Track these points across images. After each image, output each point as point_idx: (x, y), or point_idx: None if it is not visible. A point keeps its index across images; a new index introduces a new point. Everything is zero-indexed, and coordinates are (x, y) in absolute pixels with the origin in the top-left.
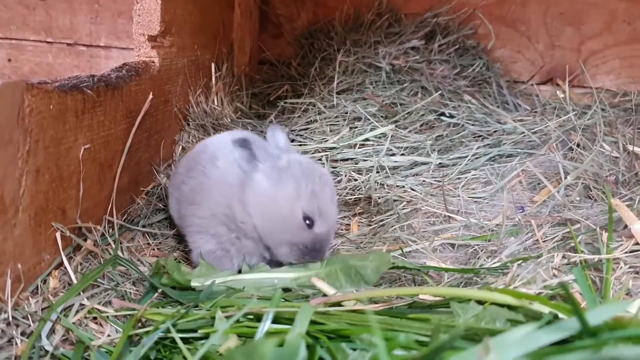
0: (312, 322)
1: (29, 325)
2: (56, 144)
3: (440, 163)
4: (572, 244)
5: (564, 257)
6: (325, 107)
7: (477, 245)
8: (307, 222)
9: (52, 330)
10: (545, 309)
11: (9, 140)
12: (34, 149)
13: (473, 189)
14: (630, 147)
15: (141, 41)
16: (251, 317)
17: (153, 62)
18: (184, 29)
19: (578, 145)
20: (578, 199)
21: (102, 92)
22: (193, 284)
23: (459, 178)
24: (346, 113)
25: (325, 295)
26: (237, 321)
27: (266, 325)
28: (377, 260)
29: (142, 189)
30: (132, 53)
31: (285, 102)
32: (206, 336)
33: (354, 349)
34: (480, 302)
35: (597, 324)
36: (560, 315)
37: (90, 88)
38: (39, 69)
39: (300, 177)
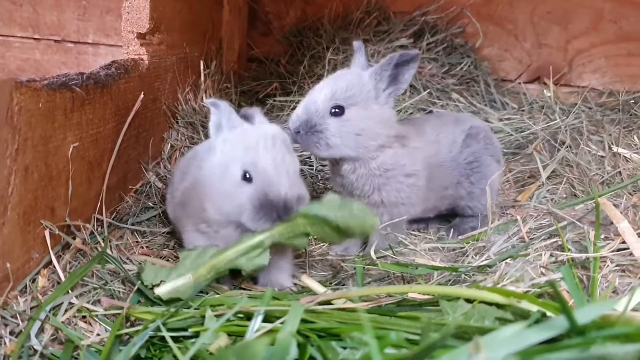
0: (303, 321)
1: (18, 325)
2: (45, 142)
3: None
4: (560, 242)
5: (551, 255)
6: None
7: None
8: (247, 176)
9: (41, 330)
10: (533, 307)
11: None
12: (23, 147)
13: None
14: (615, 148)
15: (130, 39)
16: (241, 315)
17: (142, 59)
18: (173, 27)
19: (564, 144)
20: (565, 196)
21: (91, 90)
22: (158, 292)
23: None
24: None
25: (315, 293)
26: (228, 320)
27: (256, 323)
28: (361, 220)
29: (130, 187)
30: (121, 50)
31: (274, 100)
32: (196, 335)
33: (345, 348)
34: (469, 301)
35: (585, 323)
36: (548, 313)
37: (79, 86)
38: (26, 65)
39: (246, 139)
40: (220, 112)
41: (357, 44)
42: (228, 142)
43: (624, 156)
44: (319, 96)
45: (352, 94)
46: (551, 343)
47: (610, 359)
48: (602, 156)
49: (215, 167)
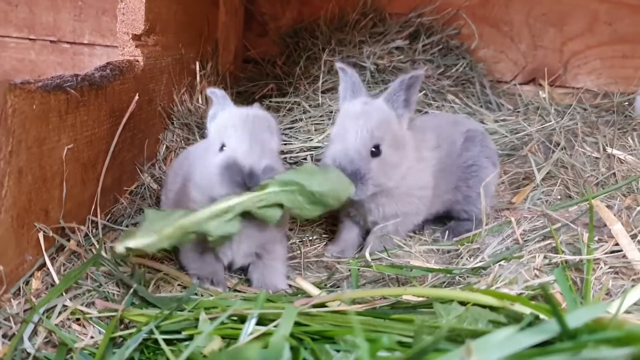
0: (296, 324)
1: (11, 327)
2: (39, 144)
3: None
4: (554, 244)
5: (545, 257)
6: (310, 106)
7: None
8: (222, 148)
9: (35, 332)
10: (527, 310)
11: None
12: (17, 149)
13: None
14: (609, 150)
15: (125, 40)
16: (235, 318)
17: (137, 61)
18: (169, 28)
19: (558, 145)
20: (559, 197)
21: (86, 92)
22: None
23: None
24: (331, 112)
25: (309, 295)
26: (221, 323)
27: (250, 326)
28: (337, 186)
29: (125, 188)
30: (116, 51)
31: (270, 101)
32: (190, 337)
33: (338, 350)
34: (462, 303)
35: (577, 326)
36: (541, 316)
37: (74, 88)
38: (21, 66)
39: (230, 118)
40: (217, 99)
41: (340, 65)
42: (215, 123)
43: (619, 158)
44: (356, 140)
45: (384, 129)
46: (543, 346)
47: None
48: (596, 158)
49: (201, 149)
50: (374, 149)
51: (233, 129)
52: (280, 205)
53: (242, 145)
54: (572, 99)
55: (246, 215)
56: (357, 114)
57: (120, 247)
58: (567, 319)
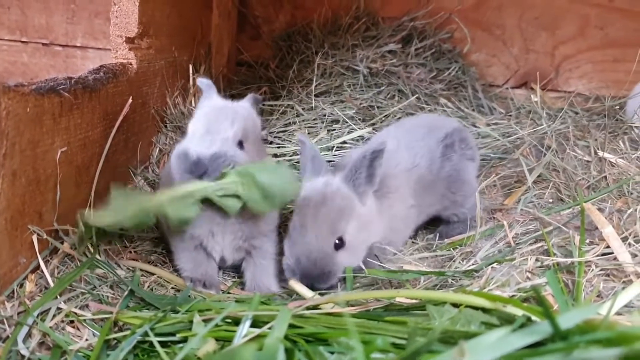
0: (291, 326)
1: (5, 330)
2: (33, 147)
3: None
4: (545, 247)
5: (537, 260)
6: (303, 109)
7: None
8: None
9: (29, 335)
10: (519, 312)
11: None
12: (11, 152)
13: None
14: (600, 153)
15: (119, 43)
16: (229, 320)
17: (130, 63)
18: (162, 31)
19: (549, 149)
20: (551, 200)
21: (80, 95)
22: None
23: None
24: (324, 115)
25: (303, 298)
26: (216, 325)
27: (244, 328)
28: (283, 184)
29: None
30: (109, 54)
31: (263, 105)
32: (184, 340)
33: (332, 352)
34: (455, 305)
35: (568, 328)
36: (533, 317)
37: (68, 90)
38: (13, 68)
39: (202, 108)
40: (203, 87)
41: (300, 138)
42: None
43: (610, 161)
44: (317, 239)
45: (347, 218)
46: (535, 347)
47: None
48: (588, 161)
49: None
50: (337, 241)
51: (195, 120)
52: (239, 197)
53: (195, 134)
54: (564, 102)
55: (207, 202)
56: (317, 203)
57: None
58: (559, 320)
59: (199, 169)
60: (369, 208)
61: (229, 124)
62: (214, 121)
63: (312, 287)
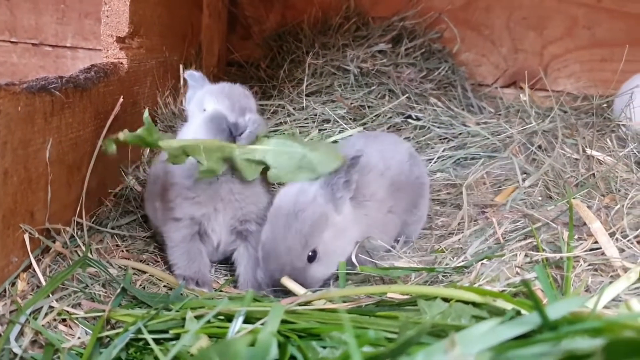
0: (284, 322)
1: None
2: (24, 146)
3: None
4: (535, 243)
5: (526, 255)
6: (294, 109)
7: (443, 245)
8: (204, 110)
9: (21, 333)
10: (508, 306)
11: None
12: (2, 151)
13: (438, 191)
14: (588, 151)
15: (109, 42)
16: (222, 317)
17: (121, 63)
18: (153, 31)
19: (540, 148)
20: (540, 198)
21: (71, 94)
22: (162, 144)
23: None
24: (315, 115)
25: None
26: (208, 321)
27: (237, 324)
28: (329, 153)
29: (110, 190)
30: (99, 54)
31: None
32: (177, 337)
33: (324, 347)
34: (446, 300)
35: (557, 318)
36: (523, 311)
37: (59, 89)
38: (2, 69)
39: (209, 89)
40: (195, 81)
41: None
42: (196, 97)
43: (598, 159)
44: (289, 253)
45: (321, 229)
46: (524, 339)
47: (579, 352)
48: (576, 159)
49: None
50: (310, 254)
51: (212, 96)
52: (263, 164)
53: (224, 104)
54: (553, 101)
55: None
56: (289, 214)
57: (121, 135)
58: (548, 311)
59: (237, 130)
60: (345, 216)
61: (247, 100)
62: (234, 96)
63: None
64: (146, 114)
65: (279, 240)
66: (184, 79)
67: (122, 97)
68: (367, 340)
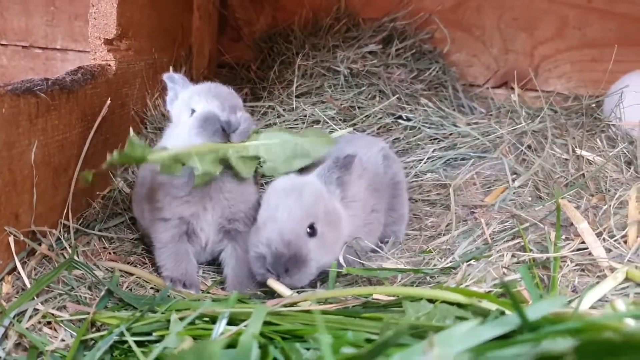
0: (268, 323)
1: None
2: (8, 148)
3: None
4: (522, 243)
5: (513, 256)
6: (284, 110)
7: (431, 245)
8: (193, 111)
9: (5, 336)
10: (493, 307)
11: None
12: None
13: (428, 191)
14: (578, 151)
15: (97, 44)
16: (207, 319)
17: (109, 65)
18: (142, 33)
19: (529, 148)
20: (530, 198)
21: (57, 96)
22: (152, 157)
23: (414, 180)
24: (305, 116)
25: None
26: (193, 323)
27: (221, 326)
28: (319, 137)
29: (98, 192)
30: (89, 56)
31: (244, 106)
32: (161, 339)
33: (308, 349)
34: (431, 301)
35: (537, 319)
36: (507, 312)
37: (44, 91)
38: None
39: (193, 90)
40: (175, 82)
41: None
42: (178, 101)
43: (587, 159)
44: (289, 219)
45: (319, 206)
46: (505, 339)
47: (555, 352)
48: (566, 159)
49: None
50: (309, 229)
51: (200, 96)
52: (258, 159)
53: (214, 104)
54: (543, 102)
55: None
56: (288, 190)
57: (109, 157)
58: (527, 312)
59: (231, 128)
60: (337, 210)
61: (235, 99)
62: (222, 95)
63: (285, 279)
64: (132, 133)
65: (279, 209)
66: (162, 81)
67: (109, 99)
68: (345, 342)
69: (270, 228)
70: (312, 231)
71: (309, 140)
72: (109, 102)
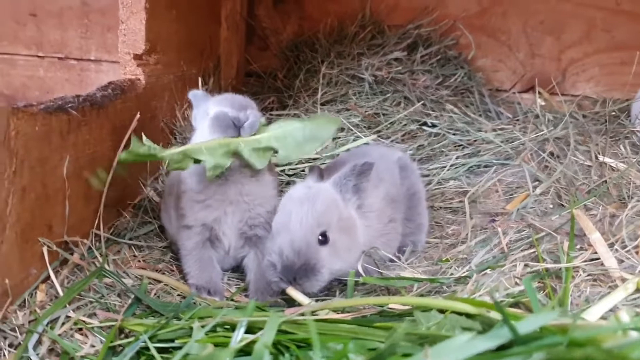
0: (284, 332)
1: (17, 337)
2: (42, 164)
3: (420, 173)
4: (537, 253)
5: (526, 265)
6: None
7: (450, 254)
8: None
9: (39, 342)
10: (501, 317)
11: None
12: (20, 169)
13: (450, 199)
14: (601, 157)
15: (127, 59)
16: (227, 327)
17: (139, 79)
18: (170, 46)
19: (552, 155)
20: (551, 206)
21: (87, 112)
22: (161, 153)
23: (437, 188)
24: None
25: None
26: (214, 331)
27: (239, 334)
28: (325, 119)
29: (128, 202)
30: (119, 70)
31: (270, 114)
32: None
33: (323, 358)
34: (442, 311)
35: (528, 332)
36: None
37: (75, 108)
38: (30, 82)
39: (215, 100)
40: (199, 99)
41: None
42: (201, 110)
43: (610, 165)
44: (300, 227)
45: (331, 215)
46: (498, 351)
47: None
48: (589, 166)
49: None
50: (321, 237)
51: (214, 103)
52: (270, 149)
53: (225, 105)
54: (571, 106)
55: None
56: (302, 198)
57: (123, 155)
58: (519, 326)
59: (240, 122)
60: (352, 218)
61: (248, 101)
62: (235, 99)
63: (296, 286)
64: (133, 136)
65: (292, 217)
66: (189, 100)
67: (139, 113)
68: (346, 351)
69: (282, 236)
70: (324, 239)
71: (316, 123)
72: (138, 116)
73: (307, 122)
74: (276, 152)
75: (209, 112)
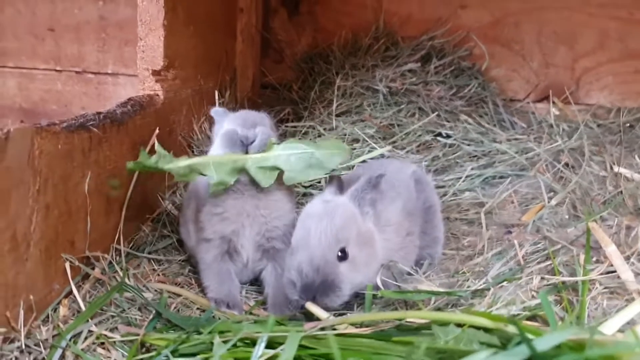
0: (303, 347)
1: (41, 352)
2: (64, 181)
3: (435, 184)
4: (553, 266)
5: (543, 278)
6: (324, 129)
7: (466, 266)
8: None
9: (63, 357)
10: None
11: (20, 181)
12: (44, 187)
13: (466, 210)
14: (616, 168)
15: (145, 75)
16: (247, 342)
17: (157, 95)
18: (187, 62)
19: (567, 165)
20: (567, 217)
21: (108, 129)
22: (166, 166)
23: (452, 199)
24: (345, 135)
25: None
26: (235, 346)
27: (260, 349)
28: (334, 148)
29: (147, 216)
30: (138, 86)
31: (286, 126)
32: None
33: None
34: (460, 325)
35: (545, 350)
36: (531, 337)
37: (96, 126)
38: (48, 96)
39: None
40: (220, 115)
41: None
42: (218, 126)
43: (625, 176)
44: (319, 245)
45: (350, 230)
46: None
47: None
48: (604, 176)
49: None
50: (340, 253)
51: (229, 120)
52: (277, 169)
53: (237, 122)
54: (586, 115)
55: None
56: (321, 214)
57: (130, 164)
58: (537, 343)
59: (248, 140)
60: (370, 231)
61: (260, 119)
62: (247, 116)
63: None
64: (141, 148)
65: (311, 234)
66: (208, 106)
67: (158, 128)
68: None
69: (301, 253)
70: (344, 255)
71: (324, 151)
72: (157, 131)
73: (316, 148)
74: (282, 171)
75: (223, 128)
